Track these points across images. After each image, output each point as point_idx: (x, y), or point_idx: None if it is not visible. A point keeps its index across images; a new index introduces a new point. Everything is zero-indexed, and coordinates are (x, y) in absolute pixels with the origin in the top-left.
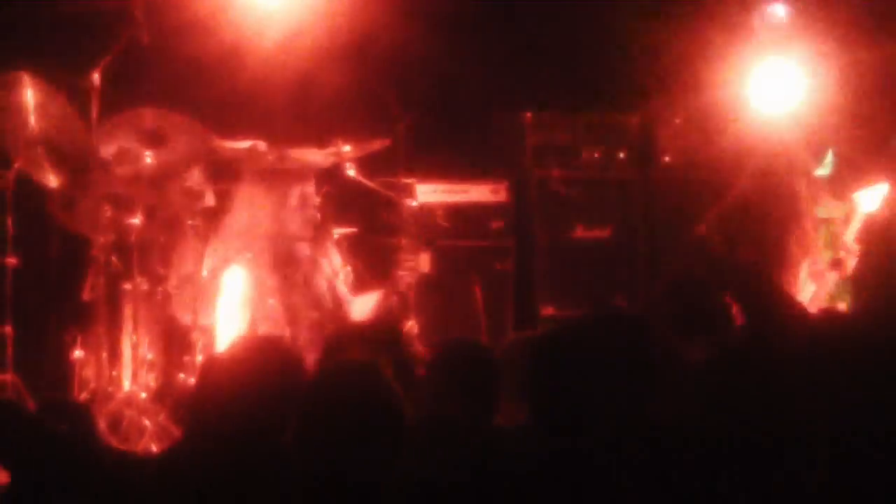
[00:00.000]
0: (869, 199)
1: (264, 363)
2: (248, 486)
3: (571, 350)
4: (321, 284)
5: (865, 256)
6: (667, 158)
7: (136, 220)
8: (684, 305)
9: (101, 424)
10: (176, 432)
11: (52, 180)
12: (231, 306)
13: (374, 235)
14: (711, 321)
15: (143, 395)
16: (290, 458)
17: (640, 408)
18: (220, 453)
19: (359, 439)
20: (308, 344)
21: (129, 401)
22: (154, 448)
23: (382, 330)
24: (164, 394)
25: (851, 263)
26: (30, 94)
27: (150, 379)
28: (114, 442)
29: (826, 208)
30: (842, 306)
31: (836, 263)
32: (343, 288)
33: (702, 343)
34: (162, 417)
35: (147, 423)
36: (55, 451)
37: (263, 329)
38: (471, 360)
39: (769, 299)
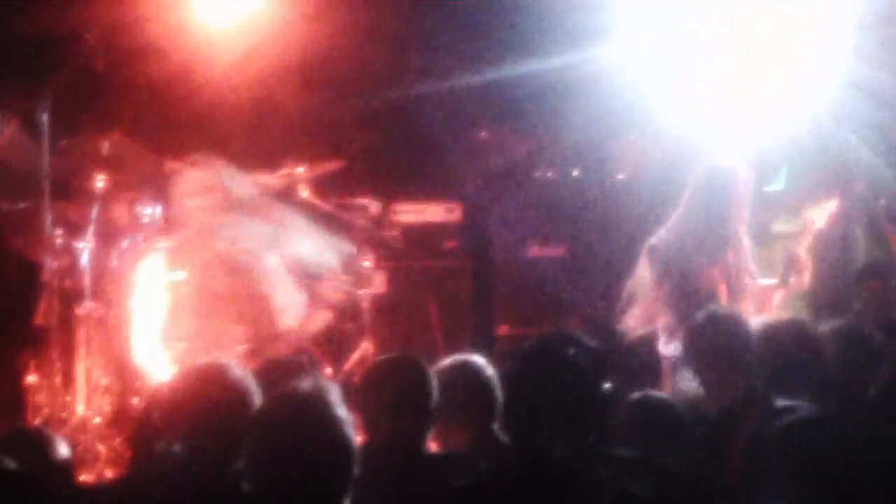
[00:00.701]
0: (821, 214)
1: (209, 393)
2: None
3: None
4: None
5: (817, 271)
6: (620, 177)
7: (89, 244)
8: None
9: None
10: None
11: (4, 204)
12: (148, 292)
13: None
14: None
15: (98, 420)
16: (239, 487)
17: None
18: (168, 483)
19: (308, 470)
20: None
21: (83, 426)
22: (109, 474)
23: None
24: (119, 419)
25: (805, 277)
26: None
27: (105, 404)
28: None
29: (780, 223)
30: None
31: (785, 280)
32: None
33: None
34: (117, 442)
35: (101, 448)
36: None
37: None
38: (404, 377)
39: None
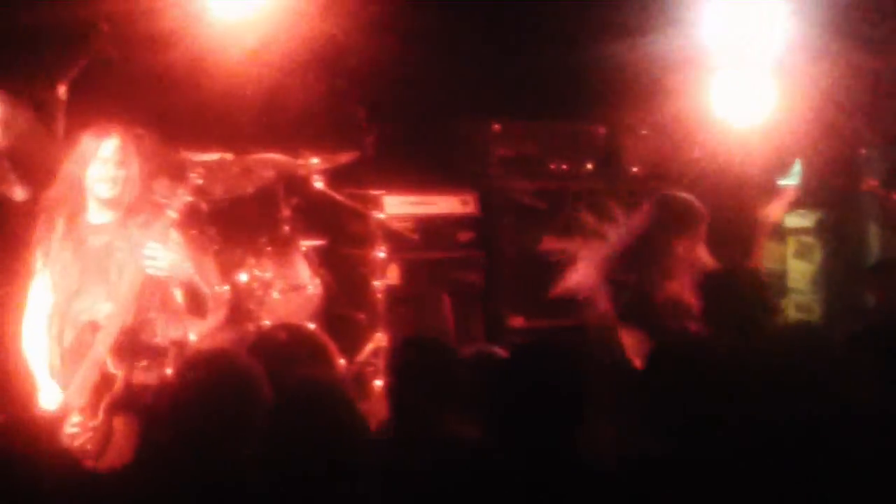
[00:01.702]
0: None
1: (217, 381)
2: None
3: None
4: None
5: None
6: (634, 169)
7: None
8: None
9: (65, 439)
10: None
11: (18, 194)
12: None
13: (343, 247)
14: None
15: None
16: (251, 474)
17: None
18: (177, 470)
19: (322, 457)
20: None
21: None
22: (119, 461)
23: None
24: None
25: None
26: None
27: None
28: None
29: (793, 218)
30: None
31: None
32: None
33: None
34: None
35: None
36: (12, 470)
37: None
38: (432, 357)
39: None
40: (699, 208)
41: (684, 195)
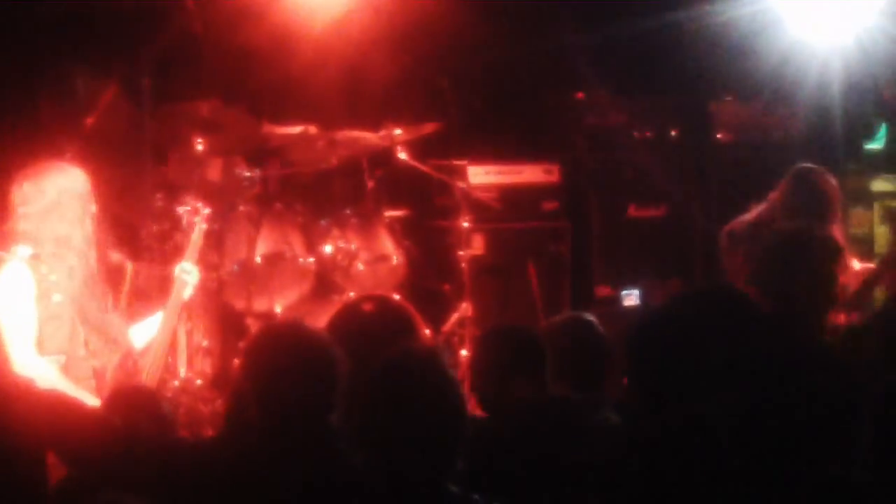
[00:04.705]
0: None
1: (288, 353)
2: (298, 472)
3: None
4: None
5: None
6: (719, 136)
7: (188, 208)
8: None
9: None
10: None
11: (105, 170)
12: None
13: (427, 218)
14: None
15: (199, 381)
16: (338, 441)
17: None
18: (261, 444)
19: (422, 431)
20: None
21: (185, 388)
22: (210, 434)
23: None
24: (220, 380)
25: None
26: (82, 85)
27: (206, 365)
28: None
29: (879, 182)
30: None
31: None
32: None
33: None
34: (218, 404)
35: (203, 409)
36: (111, 443)
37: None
38: (518, 343)
39: None
40: (836, 185)
41: (821, 169)
